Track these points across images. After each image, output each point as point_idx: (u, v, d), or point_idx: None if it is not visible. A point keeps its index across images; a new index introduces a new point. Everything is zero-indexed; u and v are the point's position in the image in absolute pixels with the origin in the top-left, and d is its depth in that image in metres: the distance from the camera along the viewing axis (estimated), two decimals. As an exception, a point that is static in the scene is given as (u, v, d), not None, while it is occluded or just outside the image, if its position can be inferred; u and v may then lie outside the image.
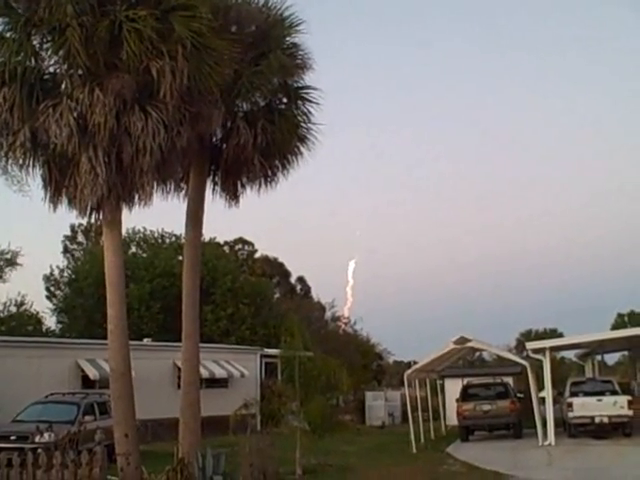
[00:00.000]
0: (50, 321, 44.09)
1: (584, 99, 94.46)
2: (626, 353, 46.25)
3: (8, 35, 14.57)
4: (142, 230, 46.22)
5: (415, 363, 30.79)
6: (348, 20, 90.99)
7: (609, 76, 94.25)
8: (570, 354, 48.51)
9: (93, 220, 15.99)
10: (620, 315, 71.43)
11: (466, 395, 28.14)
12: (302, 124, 17.65)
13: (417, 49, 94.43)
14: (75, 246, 53.14)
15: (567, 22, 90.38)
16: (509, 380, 31.06)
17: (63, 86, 14.77)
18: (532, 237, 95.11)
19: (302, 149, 17.67)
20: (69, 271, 46.17)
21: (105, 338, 15.89)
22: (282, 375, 30.66)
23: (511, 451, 23.32)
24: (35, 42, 14.69)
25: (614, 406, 24.58)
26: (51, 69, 15.05)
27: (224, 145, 17.33)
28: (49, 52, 14.82)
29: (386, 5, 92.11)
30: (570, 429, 25.35)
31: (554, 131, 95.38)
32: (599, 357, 42.55)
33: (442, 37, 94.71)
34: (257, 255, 57.12)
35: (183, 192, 17.89)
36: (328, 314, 53.63)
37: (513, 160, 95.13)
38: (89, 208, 14.76)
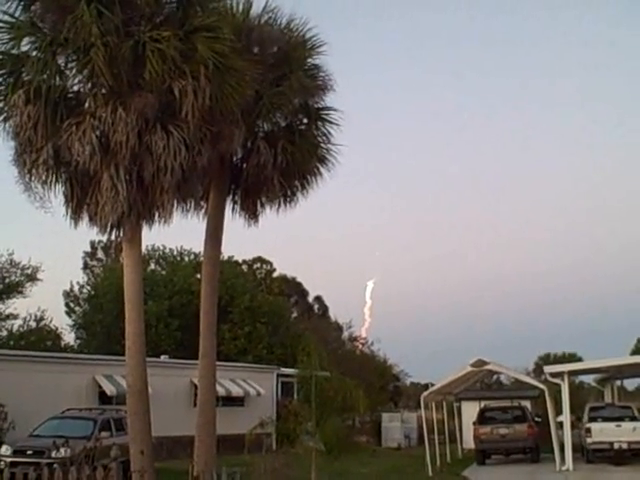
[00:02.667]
0: (69, 337, 44.28)
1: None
2: (646, 379, 45.77)
3: (34, 54, 14.81)
4: (161, 247, 46.47)
5: (432, 385, 30.63)
6: (366, 41, 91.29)
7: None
8: (589, 379, 47.98)
9: (113, 237, 16.12)
10: (640, 340, 70.63)
11: (483, 418, 27.96)
12: (322, 145, 17.78)
13: (450, 75, 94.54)
14: (95, 262, 53.48)
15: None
16: (527, 404, 30.82)
17: (86, 104, 14.98)
18: (554, 259, 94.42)
19: (322, 169, 17.80)
20: (88, 287, 46.37)
21: (123, 354, 15.97)
22: (298, 394, 30.65)
23: (528, 476, 23.14)
24: (60, 61, 14.93)
25: (633, 432, 24.35)
26: (75, 88, 15.30)
27: (244, 164, 17.47)
28: (73, 71, 15.06)
29: (401, 26, 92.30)
30: (588, 455, 25.10)
31: (574, 149, 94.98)
32: (619, 382, 42.09)
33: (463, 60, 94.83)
34: (275, 274, 57.15)
35: (203, 210, 18.02)
36: (345, 334, 53.47)
37: (532, 180, 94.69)
38: (109, 225, 14.92)
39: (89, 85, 15.04)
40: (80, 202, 15.17)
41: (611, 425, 24.70)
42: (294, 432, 20.44)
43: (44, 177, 14.94)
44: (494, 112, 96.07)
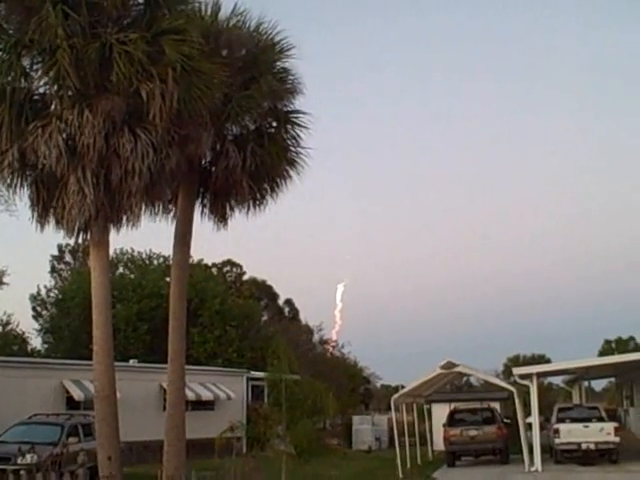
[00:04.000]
0: (36, 341, 43.88)
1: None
2: (613, 380, 46.34)
3: (-2, 55, 14.63)
4: (130, 251, 46.13)
5: (403, 387, 30.71)
6: (338, 42, 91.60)
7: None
8: (557, 380, 48.63)
9: (81, 240, 16.03)
10: (607, 342, 71.56)
11: (453, 420, 28.07)
12: (291, 148, 17.76)
13: (417, 75, 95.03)
14: (62, 266, 53.00)
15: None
16: (496, 405, 30.99)
17: (53, 107, 14.84)
18: (521, 261, 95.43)
19: (291, 173, 17.77)
20: (56, 291, 45.95)
21: (91, 359, 15.82)
22: (268, 398, 30.55)
23: (497, 477, 23.27)
24: (25, 63, 14.80)
25: (600, 433, 24.56)
26: (41, 90, 15.17)
27: (213, 168, 17.39)
28: (39, 73, 14.92)
29: (380, 28, 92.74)
30: (557, 455, 25.30)
31: (552, 149, 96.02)
32: (586, 383, 42.60)
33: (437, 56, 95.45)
34: (245, 277, 57.06)
35: (172, 214, 17.93)
36: (316, 337, 53.50)
37: (503, 183, 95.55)
38: (77, 229, 14.80)
39: (55, 87, 14.88)
40: (46, 205, 15.03)
41: (579, 426, 24.91)
42: (264, 436, 20.38)
43: (9, 180, 14.81)
44: (469, 112, 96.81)
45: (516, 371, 25.75)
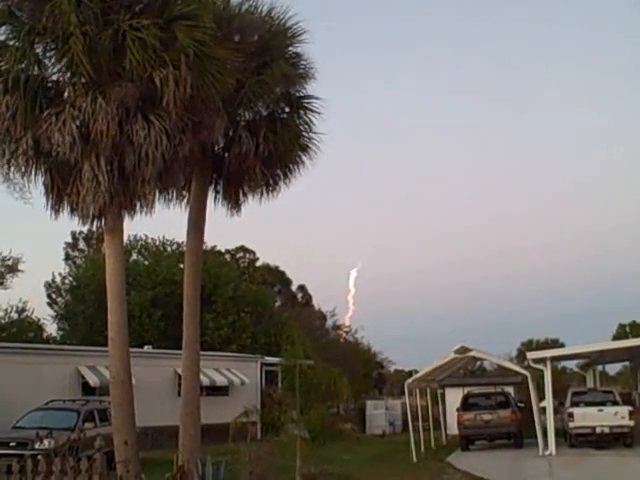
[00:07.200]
0: (51, 328, 44.16)
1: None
2: (627, 364, 46.18)
3: (11, 43, 14.61)
4: (144, 238, 46.32)
5: (416, 372, 30.76)
6: (352, 31, 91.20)
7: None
8: (571, 364, 48.56)
9: (95, 227, 16.04)
10: (622, 325, 71.25)
11: (467, 404, 28.11)
12: (304, 133, 17.69)
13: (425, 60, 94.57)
14: (77, 253, 53.24)
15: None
16: (510, 390, 31.02)
17: (66, 94, 14.81)
18: (535, 246, 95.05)
19: (304, 158, 17.69)
20: (70, 278, 46.18)
21: (106, 345, 15.89)
22: (282, 383, 30.72)
23: (511, 461, 23.31)
24: (38, 50, 14.73)
25: (615, 416, 24.56)
26: (54, 77, 15.10)
27: (226, 154, 17.37)
28: (52, 60, 14.86)
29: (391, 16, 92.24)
30: (571, 439, 25.31)
31: (557, 138, 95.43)
32: (600, 367, 42.49)
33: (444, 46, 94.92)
34: (258, 263, 57.15)
35: (185, 200, 17.92)
36: (329, 323, 53.65)
37: (512, 168, 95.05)
38: (91, 216, 14.77)
39: (68, 74, 14.86)
40: (61, 193, 15.04)
41: (593, 410, 24.91)
42: (279, 420, 20.53)
43: (24, 168, 14.79)
44: (478, 100, 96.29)
45: (530, 355, 25.76)
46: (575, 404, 25.71)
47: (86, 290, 40.17)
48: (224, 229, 46.77)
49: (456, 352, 25.82)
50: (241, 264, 55.10)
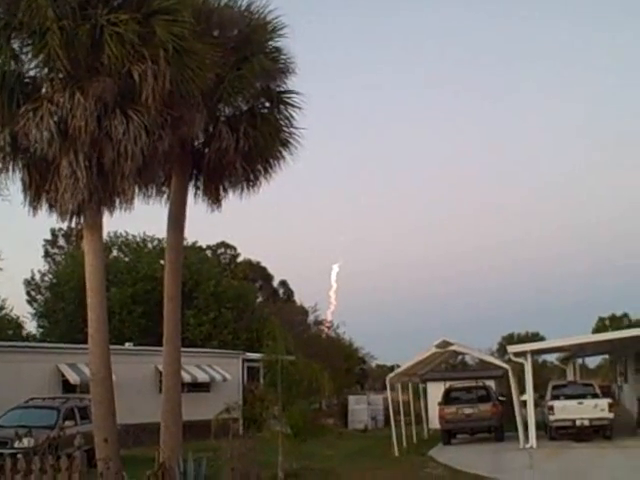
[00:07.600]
0: (30, 325, 43.88)
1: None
2: (607, 356, 46.62)
3: (-13, 38, 14.48)
4: (124, 234, 46.06)
5: (398, 367, 30.83)
6: (333, 24, 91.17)
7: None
8: (552, 357, 48.72)
9: (74, 224, 15.93)
10: (601, 319, 71.91)
11: (448, 398, 28.22)
12: (284, 128, 17.65)
13: (406, 55, 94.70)
14: (56, 250, 52.89)
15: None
16: (491, 383, 31.20)
17: (44, 90, 14.70)
18: (514, 240, 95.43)
19: (284, 153, 17.66)
20: (50, 275, 45.90)
21: (86, 342, 15.80)
22: (264, 379, 30.62)
23: (493, 454, 23.42)
24: (15, 45, 14.63)
25: (595, 409, 24.74)
26: (31, 73, 14.99)
27: (206, 149, 17.29)
28: (29, 56, 14.75)
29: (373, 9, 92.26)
30: (551, 432, 25.47)
31: (534, 132, 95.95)
32: (580, 360, 42.83)
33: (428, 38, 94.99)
34: (239, 259, 57.08)
35: (165, 196, 17.84)
36: (311, 318, 53.60)
37: (489, 162, 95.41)
38: (70, 212, 14.69)
39: (46, 70, 14.75)
40: (39, 189, 14.92)
41: (573, 402, 25.07)
42: (261, 416, 20.51)
43: (1, 164, 14.69)
44: (454, 94, 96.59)
45: (511, 349, 25.90)
46: (555, 397, 25.88)
47: (66, 287, 39.94)
48: (205, 225, 46.71)
49: (437, 346, 25.91)
50: (222, 260, 55.02)
